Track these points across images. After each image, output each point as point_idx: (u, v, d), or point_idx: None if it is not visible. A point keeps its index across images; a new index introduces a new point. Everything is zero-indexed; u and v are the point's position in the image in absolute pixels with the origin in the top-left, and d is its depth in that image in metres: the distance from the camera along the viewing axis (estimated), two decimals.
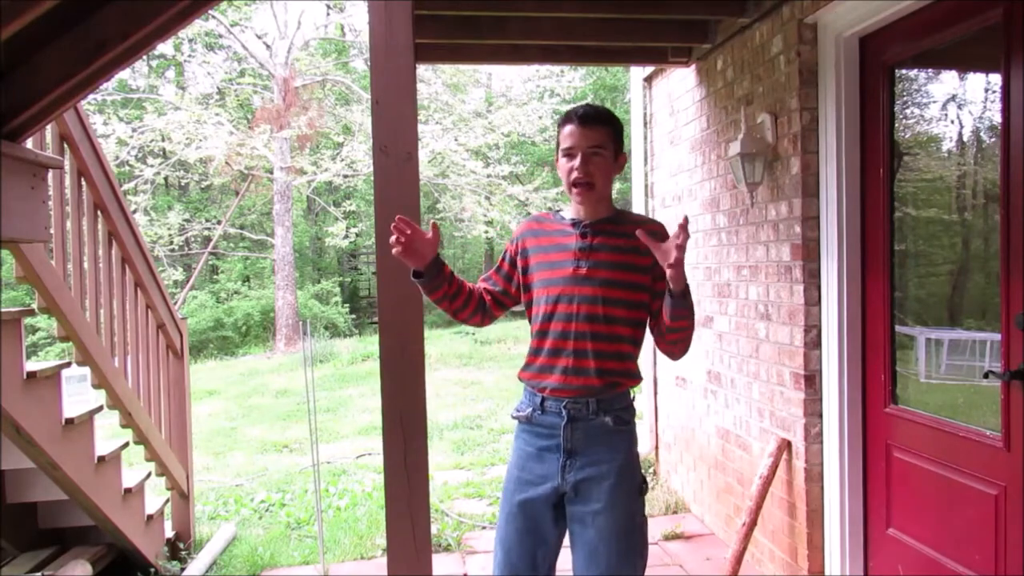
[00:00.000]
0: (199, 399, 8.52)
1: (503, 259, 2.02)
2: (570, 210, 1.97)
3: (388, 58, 1.62)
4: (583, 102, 1.96)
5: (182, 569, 3.40)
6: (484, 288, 2.01)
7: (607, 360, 1.84)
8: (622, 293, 1.84)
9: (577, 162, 1.82)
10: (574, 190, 1.85)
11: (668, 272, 1.72)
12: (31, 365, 2.46)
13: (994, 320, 2.16)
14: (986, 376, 2.21)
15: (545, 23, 3.27)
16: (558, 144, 1.90)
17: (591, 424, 1.84)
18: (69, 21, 1.89)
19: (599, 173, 1.85)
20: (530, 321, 1.94)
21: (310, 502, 4.39)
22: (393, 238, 1.74)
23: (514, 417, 1.96)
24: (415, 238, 1.75)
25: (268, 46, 14.11)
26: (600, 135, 1.84)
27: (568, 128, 1.85)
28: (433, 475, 4.69)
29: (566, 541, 1.92)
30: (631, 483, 1.88)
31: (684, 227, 1.68)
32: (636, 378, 1.92)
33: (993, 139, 2.25)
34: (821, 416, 2.80)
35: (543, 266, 1.90)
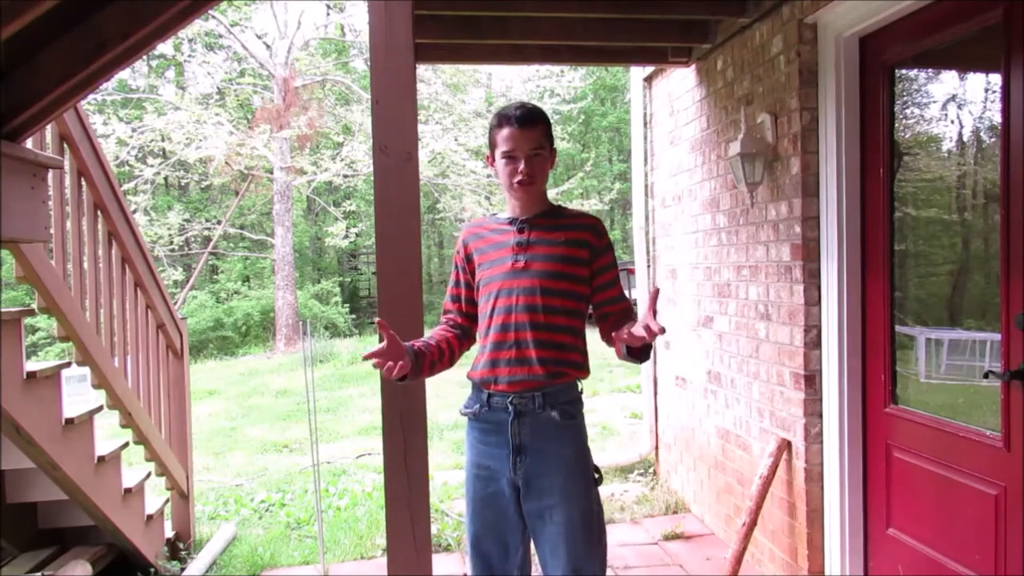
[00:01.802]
0: (199, 399, 8.52)
1: (458, 275, 2.05)
2: (507, 210, 2.03)
3: (388, 58, 1.62)
4: (514, 103, 2.00)
5: (182, 569, 3.40)
6: (455, 316, 2.04)
7: (548, 350, 1.87)
8: (561, 284, 1.89)
9: (521, 164, 1.89)
10: (515, 188, 1.91)
11: (641, 333, 1.70)
12: (31, 365, 2.46)
13: (994, 320, 2.16)
14: (986, 376, 2.21)
15: (545, 23, 3.27)
16: (493, 144, 1.96)
17: (538, 418, 1.88)
18: (69, 21, 1.89)
19: (540, 172, 1.94)
20: (478, 322, 1.99)
21: (310, 502, 4.39)
22: (384, 367, 1.72)
23: (463, 414, 2.00)
24: (394, 354, 1.72)
25: (268, 46, 14.10)
26: (538, 136, 1.91)
27: (507, 131, 1.90)
28: (433, 475, 4.69)
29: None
30: (583, 476, 1.91)
31: (654, 299, 1.69)
32: (582, 369, 1.95)
33: (993, 139, 2.25)
34: (821, 416, 2.80)
35: (484, 266, 1.96)
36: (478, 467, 1.95)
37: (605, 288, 1.95)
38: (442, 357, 1.94)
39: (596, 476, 1.95)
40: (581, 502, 1.88)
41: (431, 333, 2.00)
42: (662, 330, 1.62)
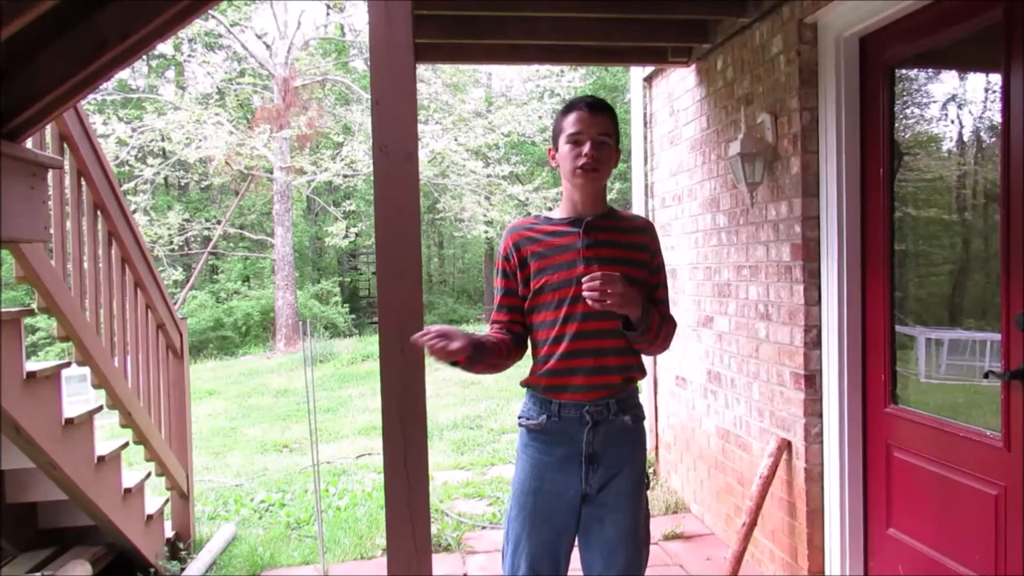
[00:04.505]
0: (199, 399, 8.52)
1: (508, 282, 1.92)
2: (562, 208, 1.94)
3: (388, 58, 1.62)
4: (584, 94, 1.95)
5: (182, 569, 3.40)
6: (506, 324, 1.92)
7: (624, 356, 1.85)
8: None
9: (587, 148, 1.81)
10: (579, 173, 1.83)
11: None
12: (31, 365, 2.46)
13: (994, 320, 2.16)
14: (986, 376, 2.21)
15: (545, 23, 3.27)
16: (558, 132, 1.88)
17: (612, 425, 1.84)
18: (69, 21, 1.89)
19: (605, 162, 1.85)
20: (533, 328, 1.90)
21: (310, 502, 4.39)
22: (429, 346, 1.69)
23: (523, 426, 1.91)
24: (447, 334, 1.69)
25: (268, 46, 14.11)
26: (607, 124, 1.85)
27: (576, 115, 1.83)
28: (433, 475, 4.69)
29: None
30: (641, 480, 1.91)
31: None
32: (643, 371, 1.94)
33: (993, 139, 2.25)
34: (821, 416, 2.80)
35: (549, 270, 1.85)
36: (542, 481, 1.86)
37: (656, 288, 1.93)
38: (499, 358, 1.85)
39: (646, 480, 1.94)
40: (638, 506, 1.88)
41: (487, 333, 1.89)
42: (593, 278, 1.66)
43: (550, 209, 2.08)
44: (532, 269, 1.88)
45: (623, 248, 1.87)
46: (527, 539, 1.88)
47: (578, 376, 1.82)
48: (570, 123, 1.84)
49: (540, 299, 1.87)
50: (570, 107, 1.86)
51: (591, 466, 1.83)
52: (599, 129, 1.82)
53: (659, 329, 1.84)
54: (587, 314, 1.79)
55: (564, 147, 1.85)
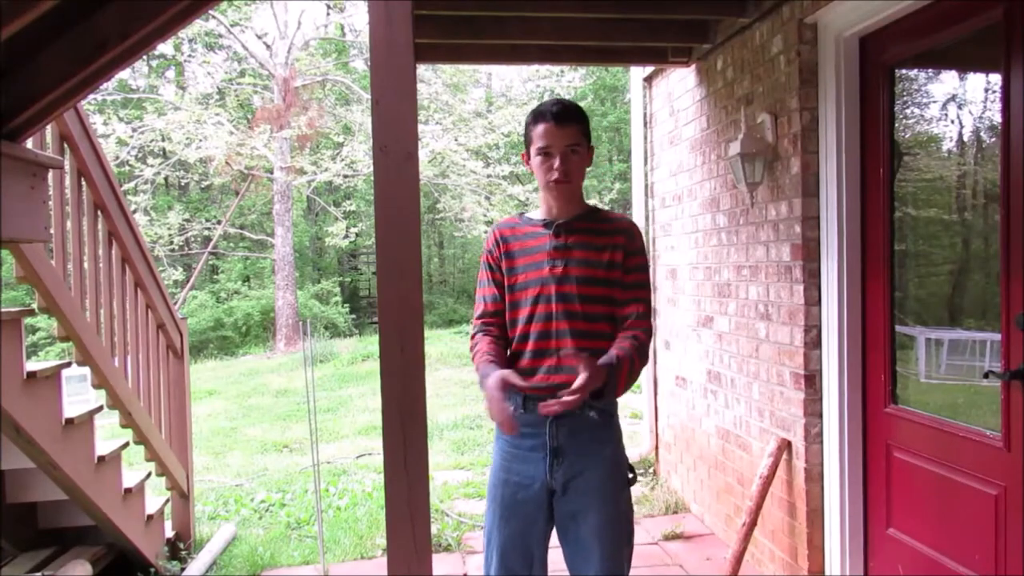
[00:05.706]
0: (199, 399, 8.52)
1: (492, 275, 1.98)
2: (540, 210, 1.99)
3: (388, 58, 1.61)
4: (550, 99, 1.99)
5: (182, 569, 3.40)
6: (493, 320, 1.96)
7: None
8: (599, 290, 1.86)
9: (556, 162, 1.86)
10: (551, 185, 1.89)
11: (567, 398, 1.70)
12: (31, 365, 2.46)
13: (994, 320, 2.16)
14: (986, 376, 2.21)
15: (545, 23, 3.27)
16: (528, 140, 1.92)
17: (576, 420, 1.85)
18: (69, 21, 1.89)
19: (576, 170, 1.90)
20: (508, 324, 1.95)
21: (310, 502, 4.39)
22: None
23: None
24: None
25: (268, 46, 14.11)
26: (575, 133, 1.88)
27: (543, 127, 1.87)
28: (433, 475, 4.69)
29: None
30: (618, 475, 1.90)
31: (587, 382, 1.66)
32: None
33: (993, 139, 2.25)
34: (821, 416, 2.80)
35: (519, 269, 1.92)
36: (508, 472, 1.91)
37: (626, 288, 1.90)
38: (505, 352, 1.93)
39: (630, 476, 1.93)
40: (614, 503, 1.87)
41: (487, 347, 1.91)
42: (570, 403, 1.63)
43: (523, 212, 2.10)
44: (507, 266, 1.95)
45: (594, 250, 1.89)
46: (496, 531, 1.93)
47: (540, 373, 1.86)
48: (539, 135, 1.88)
49: (512, 297, 1.93)
50: (537, 117, 1.89)
51: (556, 459, 1.85)
52: (567, 141, 1.86)
53: (630, 372, 1.80)
54: (550, 313, 1.86)
55: (536, 158, 1.90)
